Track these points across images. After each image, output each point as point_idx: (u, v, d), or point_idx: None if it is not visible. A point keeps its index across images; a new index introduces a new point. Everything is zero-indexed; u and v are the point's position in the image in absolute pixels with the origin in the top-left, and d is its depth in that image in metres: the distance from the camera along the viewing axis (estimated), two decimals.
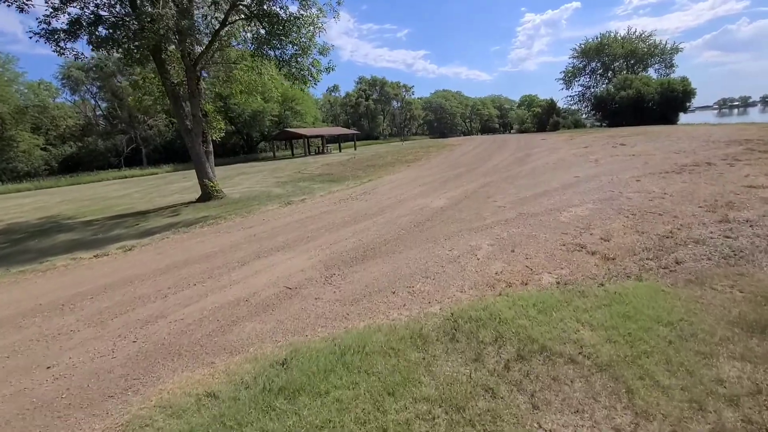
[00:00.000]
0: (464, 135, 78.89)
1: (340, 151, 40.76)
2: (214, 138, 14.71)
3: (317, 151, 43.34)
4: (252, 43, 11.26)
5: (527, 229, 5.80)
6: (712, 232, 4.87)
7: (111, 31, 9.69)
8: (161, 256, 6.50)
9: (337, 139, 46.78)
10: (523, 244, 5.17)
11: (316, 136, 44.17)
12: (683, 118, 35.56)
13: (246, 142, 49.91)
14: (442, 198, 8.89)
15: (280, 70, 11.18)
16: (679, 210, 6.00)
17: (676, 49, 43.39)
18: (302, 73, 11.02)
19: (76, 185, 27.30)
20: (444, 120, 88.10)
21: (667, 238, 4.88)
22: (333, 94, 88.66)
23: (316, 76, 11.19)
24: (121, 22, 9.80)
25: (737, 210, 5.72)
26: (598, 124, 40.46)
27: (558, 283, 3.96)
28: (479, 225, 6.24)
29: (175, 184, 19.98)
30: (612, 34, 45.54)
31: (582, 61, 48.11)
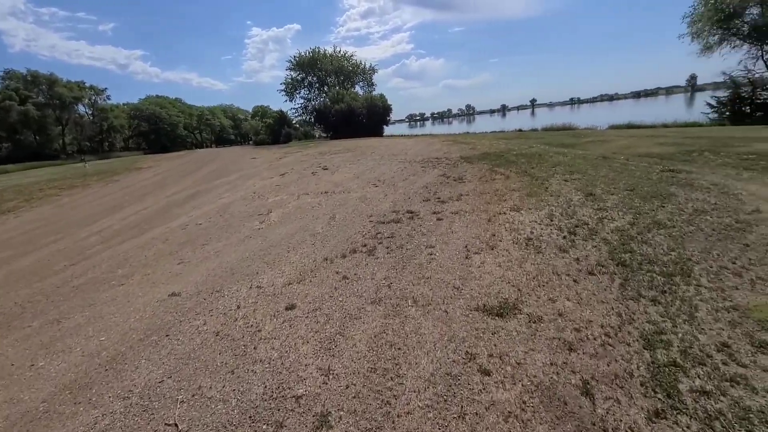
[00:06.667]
0: (196, 147, 67.47)
1: None
2: None
3: None
4: None
5: None
6: None
7: None
8: None
9: None
10: None
11: None
12: (386, 129, 39.72)
13: None
14: None
15: None
16: None
17: (373, 70, 49.17)
18: None
19: None
20: (163, 131, 71.34)
21: None
22: None
23: None
24: None
25: None
26: (324, 135, 40.10)
27: None
28: None
29: None
30: (321, 50, 46.64)
31: (300, 74, 47.21)
